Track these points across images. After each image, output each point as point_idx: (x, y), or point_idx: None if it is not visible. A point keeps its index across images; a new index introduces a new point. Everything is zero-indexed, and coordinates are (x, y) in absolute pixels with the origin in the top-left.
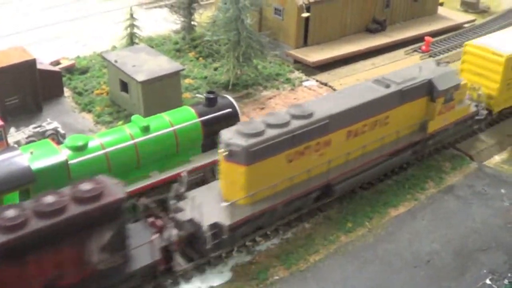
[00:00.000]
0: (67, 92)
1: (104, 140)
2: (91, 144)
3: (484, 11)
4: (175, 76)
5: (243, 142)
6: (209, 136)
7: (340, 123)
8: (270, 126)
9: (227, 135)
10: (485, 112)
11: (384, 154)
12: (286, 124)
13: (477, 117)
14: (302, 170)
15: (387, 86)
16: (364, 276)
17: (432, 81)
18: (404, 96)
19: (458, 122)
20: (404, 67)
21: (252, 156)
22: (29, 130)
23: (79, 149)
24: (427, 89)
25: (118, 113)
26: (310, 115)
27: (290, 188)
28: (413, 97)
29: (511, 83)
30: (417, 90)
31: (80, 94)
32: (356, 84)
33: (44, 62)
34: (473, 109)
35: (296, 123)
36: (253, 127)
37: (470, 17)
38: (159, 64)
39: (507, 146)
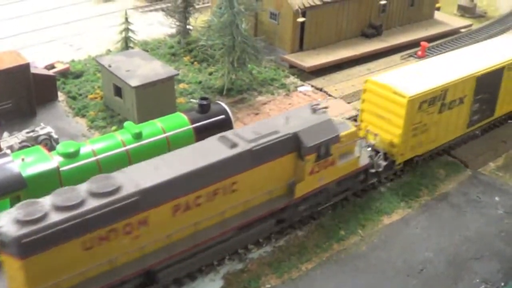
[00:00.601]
0: (61, 96)
1: (96, 146)
2: (83, 150)
3: (481, 16)
4: (169, 81)
5: (14, 231)
6: None
7: (159, 197)
8: (56, 208)
9: (0, 221)
10: (384, 163)
11: (232, 228)
12: (77, 205)
13: (372, 170)
14: (108, 257)
15: (234, 146)
16: (357, 285)
17: (299, 135)
18: (256, 156)
19: (343, 179)
20: (272, 117)
21: (27, 247)
22: (22, 135)
23: (71, 156)
24: (293, 145)
25: (112, 118)
26: (115, 191)
27: (95, 280)
28: (271, 157)
29: (420, 128)
30: (277, 148)
31: (74, 98)
32: (199, 143)
33: (38, 66)
34: (365, 161)
35: (92, 203)
36: (32, 211)
37: (466, 22)
38: (153, 69)
39: (502, 153)
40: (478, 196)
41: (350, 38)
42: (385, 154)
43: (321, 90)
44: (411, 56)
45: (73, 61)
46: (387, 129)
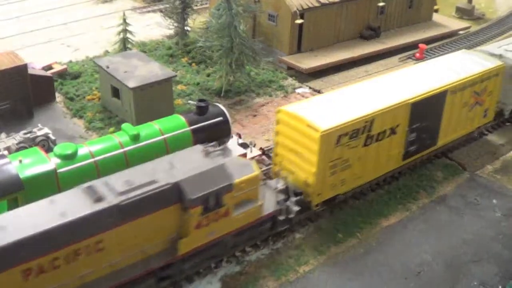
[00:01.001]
0: (58, 97)
1: (94, 148)
2: (80, 152)
3: (479, 18)
4: (167, 82)
5: None
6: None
7: (3, 262)
8: None
9: None
10: (296, 208)
11: None
12: None
13: (282, 218)
14: None
15: (99, 200)
16: (354, 287)
17: (181, 185)
18: (125, 212)
19: (241, 231)
20: (155, 160)
21: None
22: (19, 136)
23: (68, 158)
24: (175, 197)
25: (110, 119)
26: None
27: None
28: (145, 211)
29: (340, 164)
30: (153, 201)
31: (71, 99)
32: (61, 194)
33: (36, 67)
34: (271, 208)
35: None
36: None
37: (465, 24)
38: (151, 70)
39: (500, 155)
40: (476, 199)
41: (348, 40)
42: (300, 194)
43: (319, 91)
44: (409, 58)
45: (70, 62)
46: (301, 166)
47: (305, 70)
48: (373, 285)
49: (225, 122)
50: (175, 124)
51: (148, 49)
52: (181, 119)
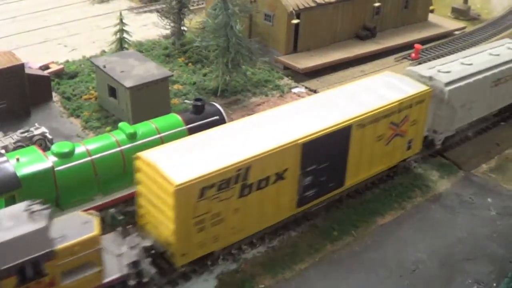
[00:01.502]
0: (55, 96)
1: (91, 147)
2: (78, 150)
3: (474, 18)
4: (164, 82)
5: None
6: None
7: None
8: None
9: None
10: (153, 270)
11: None
12: None
13: (133, 283)
14: None
15: None
16: (349, 285)
17: None
18: None
19: None
20: None
21: None
22: (16, 135)
23: (66, 156)
24: None
25: (106, 118)
26: None
27: None
28: None
29: (208, 219)
30: None
31: (68, 99)
32: None
33: (33, 67)
34: (118, 272)
35: None
36: None
37: (460, 24)
38: (148, 70)
39: (495, 154)
40: (470, 198)
41: (344, 40)
42: (161, 255)
43: (315, 91)
44: (405, 58)
45: (67, 61)
46: (162, 221)
47: (301, 70)
48: (368, 283)
49: (222, 120)
50: (171, 122)
51: (145, 49)
52: (178, 118)
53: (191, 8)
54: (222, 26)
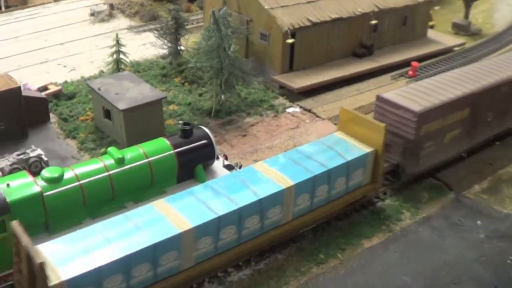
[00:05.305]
0: (53, 117)
1: (79, 171)
2: (66, 175)
3: (475, 34)
4: (157, 104)
5: None
6: (184, 167)
7: None
8: None
9: None
10: None
11: None
12: None
13: None
14: None
15: None
16: None
17: None
18: None
19: None
20: None
21: None
22: (13, 157)
23: (54, 181)
24: None
25: (102, 139)
26: None
27: None
28: None
29: None
30: None
31: (65, 120)
32: None
33: (32, 88)
34: None
35: None
36: None
37: (459, 40)
38: (142, 92)
39: (488, 175)
40: (460, 220)
41: (341, 58)
42: None
43: (309, 111)
44: (401, 76)
45: (66, 82)
46: None
47: (296, 89)
48: None
49: (209, 145)
50: (159, 147)
51: (142, 69)
52: (166, 142)
53: (190, 27)
54: (215, 48)
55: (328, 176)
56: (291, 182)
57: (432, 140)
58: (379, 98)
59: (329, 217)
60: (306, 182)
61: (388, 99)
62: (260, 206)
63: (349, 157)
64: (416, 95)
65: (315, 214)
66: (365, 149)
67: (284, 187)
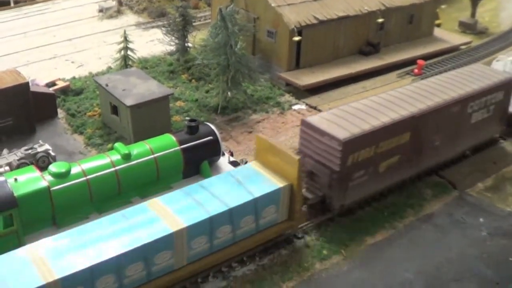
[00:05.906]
0: (61, 113)
1: (86, 167)
2: (73, 171)
3: (481, 32)
4: (164, 100)
5: None
6: (190, 163)
7: None
8: None
9: None
10: None
11: None
12: None
13: None
14: None
15: None
16: None
17: None
18: None
19: None
20: None
21: None
22: (21, 152)
23: (61, 176)
24: None
25: (109, 135)
26: None
27: None
28: None
29: None
30: None
31: (73, 115)
32: None
33: (40, 83)
34: None
35: None
36: None
37: (466, 38)
38: (149, 88)
39: (492, 173)
40: (462, 217)
41: (347, 56)
42: None
43: (315, 108)
44: (407, 74)
45: (74, 78)
46: None
47: (302, 87)
48: None
49: (215, 141)
50: (165, 143)
51: (150, 65)
52: (172, 138)
53: (197, 24)
54: (222, 45)
55: (230, 215)
56: (183, 224)
57: (363, 169)
58: (303, 123)
59: (239, 258)
60: (201, 224)
61: (312, 124)
62: (144, 253)
63: (258, 194)
64: (346, 119)
65: (218, 256)
66: (278, 184)
67: (173, 230)
